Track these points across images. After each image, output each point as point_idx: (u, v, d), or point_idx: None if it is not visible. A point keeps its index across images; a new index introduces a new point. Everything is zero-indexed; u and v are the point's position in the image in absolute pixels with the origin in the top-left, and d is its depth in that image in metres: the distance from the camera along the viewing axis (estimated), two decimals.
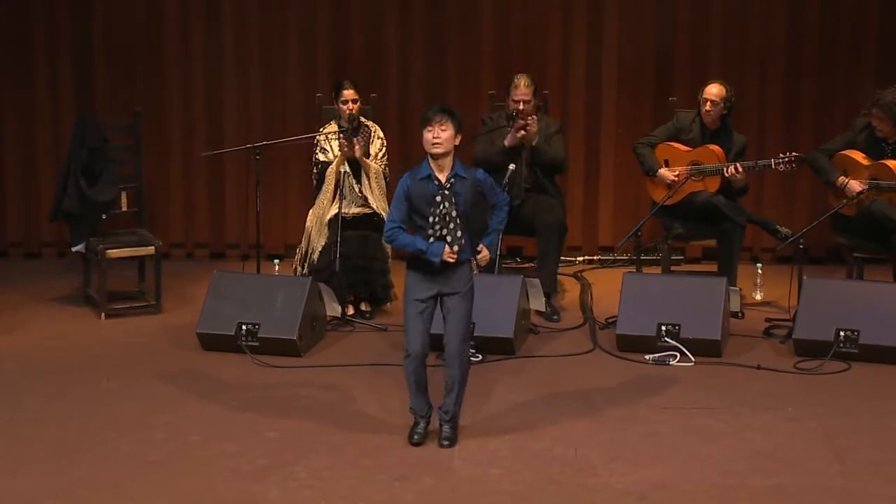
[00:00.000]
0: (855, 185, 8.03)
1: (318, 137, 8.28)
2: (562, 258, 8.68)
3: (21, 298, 8.62)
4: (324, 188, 8.19)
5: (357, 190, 8.15)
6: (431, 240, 5.99)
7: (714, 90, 8.27)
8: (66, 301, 8.59)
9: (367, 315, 8.15)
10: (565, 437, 6.27)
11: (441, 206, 5.98)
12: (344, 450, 6.12)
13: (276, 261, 8.72)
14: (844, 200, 8.02)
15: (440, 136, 5.96)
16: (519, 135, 8.13)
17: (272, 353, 7.39)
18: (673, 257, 8.71)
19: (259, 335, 7.42)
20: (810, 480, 5.82)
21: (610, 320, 7.94)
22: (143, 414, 6.58)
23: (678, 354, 7.37)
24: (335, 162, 8.13)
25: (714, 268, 8.52)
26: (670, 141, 8.44)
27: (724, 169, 8.17)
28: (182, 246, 9.73)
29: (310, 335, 7.57)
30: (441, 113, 5.98)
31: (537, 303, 8.06)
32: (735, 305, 8.10)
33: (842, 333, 7.31)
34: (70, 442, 6.20)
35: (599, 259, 9.65)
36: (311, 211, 8.27)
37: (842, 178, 8.09)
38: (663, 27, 9.43)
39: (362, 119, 8.32)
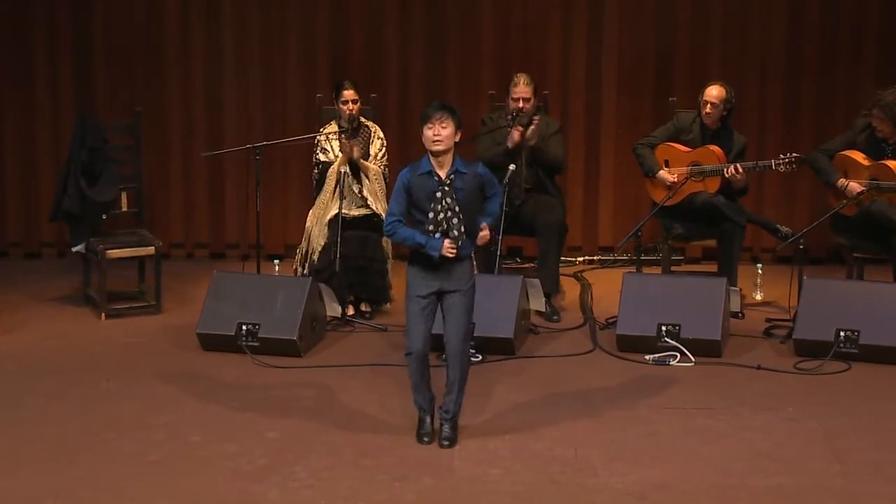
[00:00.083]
0: (855, 186, 8.03)
1: (318, 138, 8.29)
2: (562, 258, 8.68)
3: (21, 298, 8.62)
4: (324, 188, 8.19)
5: (357, 191, 8.16)
6: (437, 235, 5.99)
7: (714, 92, 8.27)
8: (66, 301, 8.59)
9: (367, 315, 8.15)
10: (565, 437, 6.27)
11: (442, 202, 5.99)
12: (344, 450, 6.12)
13: (276, 261, 8.72)
14: (844, 201, 8.01)
15: (441, 133, 5.97)
16: (518, 134, 8.13)
17: (272, 353, 7.39)
18: (673, 257, 8.71)
19: (259, 335, 7.42)
20: (810, 480, 5.82)
21: (610, 320, 7.94)
22: (143, 414, 6.58)
23: (678, 354, 7.37)
24: (336, 162, 8.13)
25: (714, 268, 8.52)
26: (670, 141, 8.44)
27: (724, 170, 8.17)
28: (182, 246, 9.73)
29: (310, 335, 7.57)
30: (441, 110, 5.98)
31: (537, 303, 8.06)
32: (735, 305, 8.10)
33: (842, 333, 7.30)
34: (70, 442, 6.20)
35: (599, 259, 9.65)
36: (311, 211, 8.27)
37: (842, 180, 8.09)
38: (663, 27, 9.43)
39: (362, 119, 8.32)
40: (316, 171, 8.27)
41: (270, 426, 6.40)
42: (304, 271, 8.13)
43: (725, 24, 9.41)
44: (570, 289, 8.89)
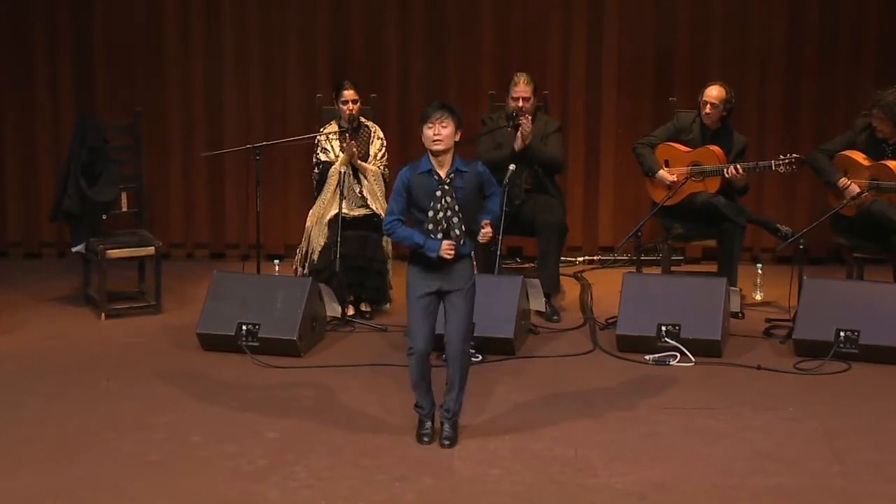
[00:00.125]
0: (855, 186, 8.03)
1: (318, 138, 8.29)
2: (562, 258, 8.68)
3: (21, 298, 8.62)
4: (324, 188, 8.19)
5: (357, 191, 8.16)
6: (440, 234, 5.98)
7: (714, 93, 8.27)
8: (66, 301, 8.59)
9: (367, 315, 8.15)
10: (565, 438, 6.27)
11: (442, 201, 5.99)
12: (344, 450, 6.12)
13: (276, 261, 8.72)
14: (844, 201, 8.01)
15: (441, 133, 5.97)
16: (520, 140, 8.14)
17: (272, 353, 7.39)
18: (673, 257, 8.71)
19: (259, 335, 7.42)
20: (810, 480, 5.82)
21: (610, 321, 7.94)
22: (143, 414, 6.58)
23: (678, 355, 7.37)
24: (337, 162, 8.13)
25: (714, 268, 8.52)
26: (670, 141, 8.44)
27: (725, 170, 8.17)
28: (182, 246, 9.73)
29: (310, 335, 7.56)
30: (441, 109, 5.98)
31: (537, 303, 8.06)
32: (735, 305, 8.10)
33: (842, 334, 7.30)
34: (70, 442, 6.20)
35: (599, 259, 9.65)
36: (311, 211, 8.27)
37: (844, 179, 8.08)
38: (663, 27, 9.44)
39: (362, 119, 8.32)
40: (316, 171, 8.27)
41: (270, 426, 6.40)
42: (304, 271, 8.13)
43: (725, 24, 9.41)
44: (570, 289, 8.89)
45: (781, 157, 8.15)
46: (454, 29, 9.47)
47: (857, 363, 7.27)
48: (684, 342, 7.39)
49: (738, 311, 8.16)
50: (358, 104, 8.23)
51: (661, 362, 7.35)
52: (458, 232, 6.00)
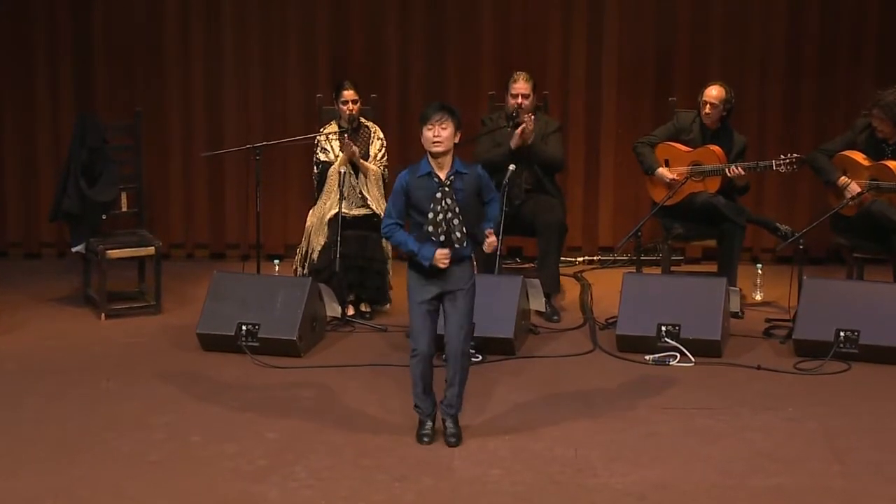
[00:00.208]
0: (855, 186, 8.03)
1: (318, 138, 8.29)
2: (562, 258, 8.68)
3: (21, 298, 8.62)
4: (324, 188, 8.19)
5: (357, 190, 8.16)
6: (441, 236, 5.97)
7: (714, 92, 8.27)
8: (66, 301, 8.59)
9: (367, 315, 8.15)
10: (565, 438, 6.27)
11: (442, 203, 5.98)
12: (344, 450, 6.12)
13: (276, 261, 8.72)
14: (844, 201, 8.01)
15: (441, 134, 5.96)
16: (519, 133, 8.14)
17: (272, 353, 7.39)
18: (673, 257, 8.71)
19: (259, 335, 7.42)
20: (810, 481, 5.82)
21: (610, 321, 7.94)
22: (143, 414, 6.58)
23: (678, 355, 7.37)
24: (336, 162, 8.13)
25: (714, 268, 8.52)
26: (670, 141, 8.44)
27: (726, 171, 8.16)
28: (182, 246, 9.73)
29: (310, 335, 7.57)
30: (441, 111, 5.97)
31: (537, 303, 8.06)
32: (735, 306, 8.10)
33: (842, 334, 7.30)
34: (70, 442, 6.20)
35: (599, 259, 9.65)
36: (311, 211, 8.27)
37: (843, 179, 8.09)
38: (663, 27, 9.43)
39: (362, 119, 8.32)
40: (316, 170, 8.27)
41: (270, 426, 6.40)
42: (304, 271, 8.13)
43: (725, 24, 9.41)
44: (570, 289, 8.89)
45: (782, 156, 8.15)
46: (454, 29, 9.47)
47: (857, 363, 7.27)
48: (684, 342, 7.39)
49: (738, 311, 8.16)
50: (358, 104, 8.23)
51: (661, 362, 7.35)
52: (458, 234, 5.99)
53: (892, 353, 7.26)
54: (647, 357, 7.40)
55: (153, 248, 8.33)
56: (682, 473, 5.88)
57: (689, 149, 8.37)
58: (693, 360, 7.34)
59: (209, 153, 8.99)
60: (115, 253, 8.23)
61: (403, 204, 6.06)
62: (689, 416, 6.55)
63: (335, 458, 6.03)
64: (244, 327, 7.44)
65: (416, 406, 6.22)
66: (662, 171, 8.37)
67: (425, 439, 6.19)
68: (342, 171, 8.08)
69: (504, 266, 8.39)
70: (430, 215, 5.98)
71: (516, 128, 8.16)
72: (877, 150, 8.09)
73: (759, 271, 8.60)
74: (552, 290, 8.29)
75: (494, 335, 7.38)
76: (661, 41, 9.45)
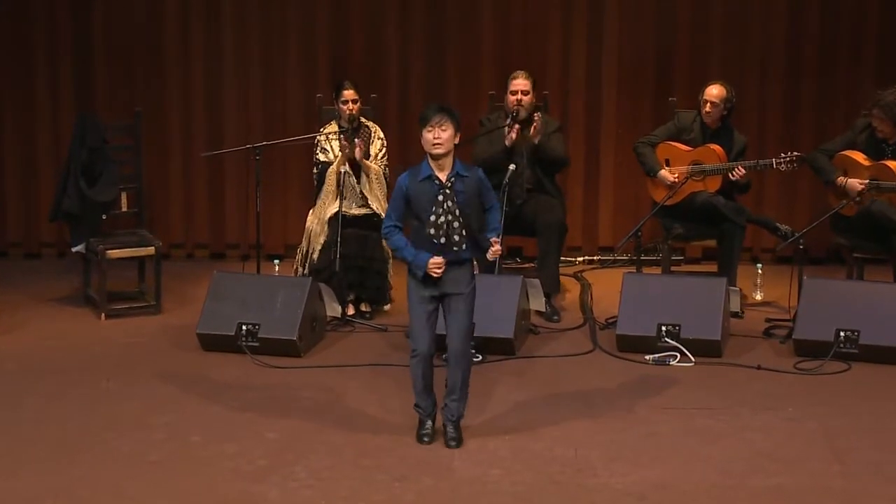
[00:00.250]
0: (854, 184, 8.03)
1: (318, 138, 8.29)
2: (562, 258, 8.68)
3: (21, 298, 8.62)
4: (324, 188, 8.19)
5: (357, 190, 8.16)
6: (442, 238, 5.96)
7: (714, 91, 8.27)
8: (66, 301, 8.59)
9: (367, 315, 8.15)
10: (565, 438, 6.27)
11: (443, 206, 5.97)
12: (344, 450, 6.12)
13: (276, 261, 8.72)
14: (844, 201, 8.02)
15: (441, 136, 5.95)
16: (515, 132, 8.13)
17: (272, 353, 7.39)
18: (673, 257, 8.72)
19: (259, 335, 7.42)
20: (810, 480, 5.82)
21: (610, 320, 7.94)
22: (143, 414, 6.58)
23: (678, 355, 7.37)
24: (336, 162, 8.13)
25: (714, 268, 8.53)
26: (671, 141, 8.44)
27: (729, 173, 8.16)
28: (182, 246, 9.73)
29: (310, 335, 7.56)
30: (440, 113, 5.96)
31: (537, 303, 8.06)
32: (735, 305, 8.10)
33: (842, 334, 7.30)
34: (70, 442, 6.20)
35: (599, 259, 9.65)
36: (311, 211, 8.27)
37: (842, 178, 8.09)
38: (663, 27, 9.44)
39: (362, 119, 8.32)
40: (316, 170, 8.27)
41: (270, 426, 6.40)
42: (305, 271, 8.13)
43: (725, 24, 9.41)
44: (570, 289, 8.89)
45: (783, 155, 8.15)
46: (454, 29, 9.47)
47: (857, 363, 7.27)
48: (684, 342, 7.39)
49: (738, 311, 8.16)
50: (358, 104, 8.23)
51: (661, 362, 7.35)
52: (458, 237, 5.99)
53: (892, 353, 7.26)
54: (647, 357, 7.40)
55: (153, 248, 8.33)
56: (682, 473, 5.88)
57: (690, 148, 8.37)
58: (693, 360, 7.34)
59: (209, 153, 9.00)
60: (115, 253, 8.23)
61: (403, 207, 6.06)
62: (689, 416, 6.55)
63: (335, 458, 6.03)
64: (244, 327, 7.44)
65: (416, 405, 6.22)
66: (664, 173, 8.36)
67: (425, 439, 6.19)
68: (342, 170, 8.08)
69: (504, 266, 8.39)
70: (433, 218, 5.97)
71: (518, 124, 8.14)
72: (877, 150, 8.09)
73: (759, 271, 8.60)
74: (552, 290, 8.29)
75: (494, 335, 7.38)
76: (661, 41, 9.45)
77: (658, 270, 8.61)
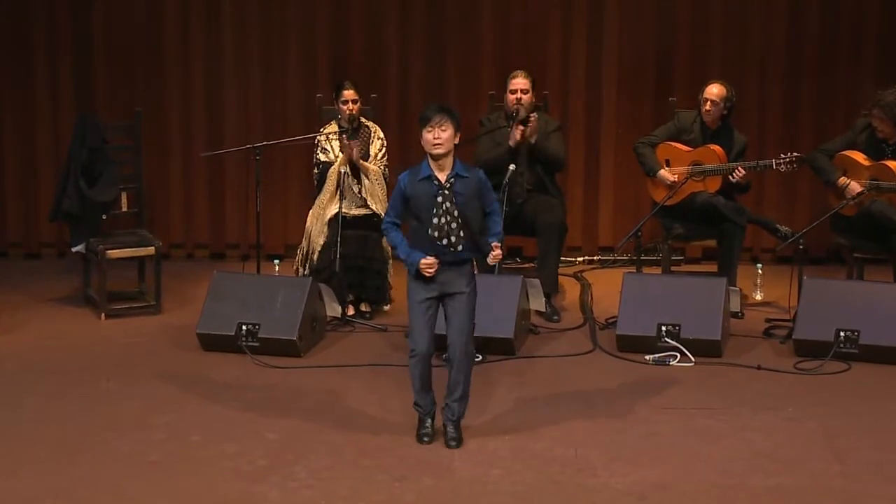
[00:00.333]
0: (855, 186, 8.03)
1: (318, 138, 8.29)
2: (562, 258, 8.68)
3: (21, 298, 8.62)
4: (324, 188, 8.19)
5: (356, 191, 8.16)
6: (443, 239, 5.96)
7: (714, 90, 8.27)
8: (66, 301, 8.59)
9: (367, 315, 8.15)
10: (565, 438, 6.27)
11: (443, 206, 5.97)
12: (344, 450, 6.12)
13: (276, 261, 8.72)
14: (844, 201, 8.02)
15: (441, 136, 5.95)
16: (518, 132, 8.14)
17: (272, 353, 7.39)
18: (673, 257, 8.72)
19: (259, 335, 7.42)
20: (810, 481, 5.82)
21: (610, 321, 7.94)
22: (143, 414, 6.58)
23: (678, 355, 7.37)
24: (337, 162, 8.13)
25: (714, 268, 8.53)
26: (671, 141, 8.44)
27: (730, 175, 8.16)
28: (182, 246, 9.73)
29: (310, 335, 7.56)
30: (440, 113, 5.96)
31: (537, 303, 8.06)
32: (735, 305, 8.10)
33: (842, 334, 7.30)
34: (70, 442, 6.20)
35: (599, 259, 9.65)
36: (311, 211, 8.27)
37: (842, 179, 8.09)
38: (663, 27, 9.44)
39: (362, 119, 8.32)
40: (316, 171, 8.27)
41: (270, 426, 6.40)
42: (305, 271, 8.13)
43: (725, 24, 9.41)
44: (570, 289, 8.89)
45: (782, 155, 8.16)
46: (454, 29, 9.47)
47: (857, 363, 7.27)
48: (684, 342, 7.39)
49: (738, 311, 8.16)
50: (358, 104, 8.23)
51: (661, 362, 7.35)
52: (454, 238, 5.98)
53: (892, 353, 7.26)
54: (647, 357, 7.40)
55: (153, 248, 8.33)
56: (682, 473, 5.88)
57: (690, 148, 8.37)
58: (693, 360, 7.34)
59: (209, 153, 9.00)
60: (115, 253, 8.23)
61: (401, 206, 6.06)
62: (689, 416, 6.55)
63: (335, 458, 6.03)
64: (244, 327, 7.44)
65: (415, 404, 6.22)
66: (664, 173, 8.37)
67: (425, 439, 6.19)
68: (342, 171, 8.08)
69: (504, 266, 8.38)
70: (434, 219, 5.97)
71: (520, 124, 8.14)
72: (877, 150, 8.09)
73: (759, 271, 8.60)
74: (552, 290, 8.29)
75: (494, 335, 7.38)
76: (661, 41, 9.45)
77: (658, 270, 8.61)
